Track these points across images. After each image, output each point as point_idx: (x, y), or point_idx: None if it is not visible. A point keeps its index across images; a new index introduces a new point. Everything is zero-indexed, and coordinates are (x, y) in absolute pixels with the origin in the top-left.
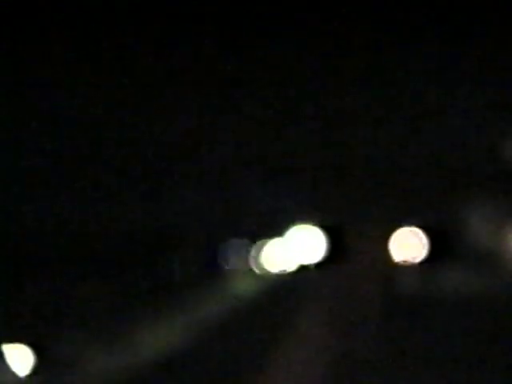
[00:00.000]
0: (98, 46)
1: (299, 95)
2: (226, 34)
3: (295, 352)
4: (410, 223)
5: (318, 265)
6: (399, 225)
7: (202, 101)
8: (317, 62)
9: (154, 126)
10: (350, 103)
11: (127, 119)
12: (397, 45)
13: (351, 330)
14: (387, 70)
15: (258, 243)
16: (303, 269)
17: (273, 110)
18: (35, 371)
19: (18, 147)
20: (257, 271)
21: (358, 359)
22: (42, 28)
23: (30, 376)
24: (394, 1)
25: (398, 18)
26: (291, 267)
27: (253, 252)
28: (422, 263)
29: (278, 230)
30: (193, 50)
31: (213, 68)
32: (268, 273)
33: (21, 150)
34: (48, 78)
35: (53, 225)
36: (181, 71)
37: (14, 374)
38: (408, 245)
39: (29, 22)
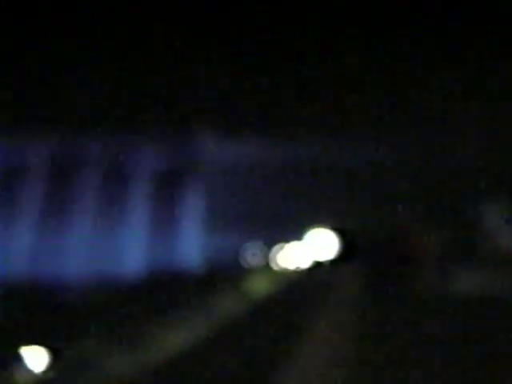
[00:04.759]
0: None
1: (309, 96)
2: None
3: (312, 349)
4: (422, 225)
5: (332, 263)
6: (413, 226)
7: (210, 107)
8: (330, 64)
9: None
10: (362, 104)
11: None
12: (406, 51)
13: (366, 329)
14: (402, 74)
15: (277, 246)
16: (318, 266)
17: (288, 113)
18: (50, 371)
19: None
20: (274, 269)
21: (372, 357)
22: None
23: (44, 376)
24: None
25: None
26: (306, 264)
27: (271, 252)
28: (437, 263)
29: (295, 233)
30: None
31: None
32: (285, 270)
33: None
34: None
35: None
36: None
37: (32, 374)
38: None
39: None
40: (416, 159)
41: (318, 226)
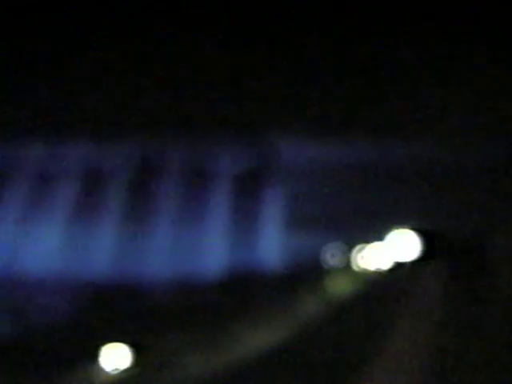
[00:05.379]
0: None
1: (386, 99)
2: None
3: (392, 348)
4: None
5: (414, 264)
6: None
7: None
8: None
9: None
10: (439, 108)
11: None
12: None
13: (448, 330)
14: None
15: (358, 247)
16: (399, 267)
17: (367, 116)
18: (133, 370)
19: None
20: (355, 270)
21: (454, 358)
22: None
23: (127, 374)
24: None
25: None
26: (387, 265)
27: (351, 253)
28: None
29: (376, 234)
30: None
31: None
32: (366, 271)
33: None
34: None
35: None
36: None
37: (114, 371)
38: None
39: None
40: (498, 161)
41: (400, 227)
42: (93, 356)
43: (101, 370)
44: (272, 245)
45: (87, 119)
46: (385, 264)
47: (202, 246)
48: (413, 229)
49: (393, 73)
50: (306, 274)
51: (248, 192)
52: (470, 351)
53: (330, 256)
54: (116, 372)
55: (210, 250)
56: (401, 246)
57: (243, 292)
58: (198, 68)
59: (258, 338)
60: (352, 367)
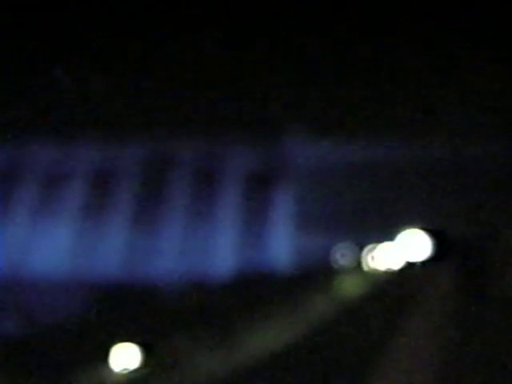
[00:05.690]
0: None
1: (396, 98)
2: None
3: (403, 348)
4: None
5: (424, 264)
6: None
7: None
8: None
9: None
10: (450, 106)
11: None
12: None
13: (458, 330)
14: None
15: (368, 247)
16: (410, 267)
17: (376, 115)
18: (142, 370)
19: None
20: (365, 270)
21: (463, 359)
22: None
23: (136, 374)
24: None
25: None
26: (398, 265)
27: (361, 253)
28: None
29: (386, 233)
30: None
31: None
32: (376, 271)
33: None
34: None
35: None
36: None
37: (125, 371)
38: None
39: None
40: (508, 159)
41: (410, 227)
42: (102, 356)
43: (110, 370)
44: (281, 245)
45: (87, 119)
46: (395, 264)
47: (211, 246)
48: (423, 229)
49: (393, 73)
50: (315, 275)
51: (258, 192)
52: (480, 349)
53: (340, 256)
54: (125, 372)
55: (219, 250)
56: (411, 245)
57: (253, 293)
58: (198, 68)
59: (267, 339)
60: (362, 367)
